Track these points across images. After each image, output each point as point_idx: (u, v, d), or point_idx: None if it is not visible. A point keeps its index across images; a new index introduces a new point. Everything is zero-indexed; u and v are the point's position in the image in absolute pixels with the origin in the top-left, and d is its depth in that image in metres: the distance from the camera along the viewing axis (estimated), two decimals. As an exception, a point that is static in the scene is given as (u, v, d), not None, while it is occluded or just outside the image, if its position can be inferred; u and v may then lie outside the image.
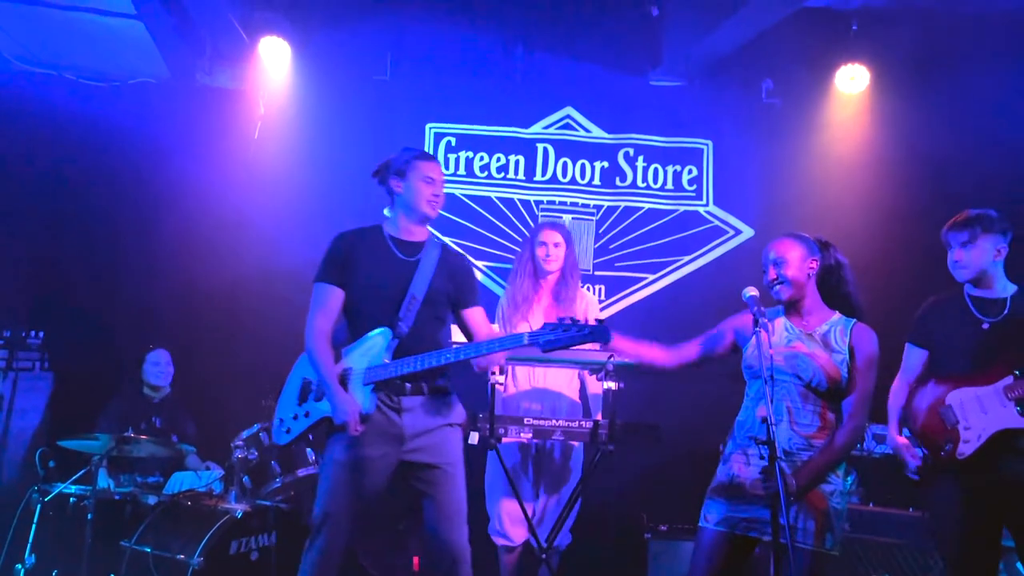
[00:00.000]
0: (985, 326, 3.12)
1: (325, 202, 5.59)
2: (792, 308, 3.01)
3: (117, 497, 4.15)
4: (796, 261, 2.96)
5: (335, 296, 3.15)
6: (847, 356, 2.88)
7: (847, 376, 2.87)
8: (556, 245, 4.40)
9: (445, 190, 3.32)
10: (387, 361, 3.00)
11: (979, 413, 3.06)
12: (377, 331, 3.05)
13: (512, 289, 4.47)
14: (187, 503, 4.04)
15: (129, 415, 4.79)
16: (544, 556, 4.08)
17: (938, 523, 3.24)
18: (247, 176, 5.57)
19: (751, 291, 2.88)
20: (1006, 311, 3.11)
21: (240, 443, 4.14)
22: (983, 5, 5.33)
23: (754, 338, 2.87)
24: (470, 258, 5.55)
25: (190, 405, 5.10)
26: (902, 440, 3.29)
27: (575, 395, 4.43)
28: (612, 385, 4.02)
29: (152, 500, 4.14)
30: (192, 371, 5.20)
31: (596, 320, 2.82)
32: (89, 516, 3.83)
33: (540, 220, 5.58)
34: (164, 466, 4.62)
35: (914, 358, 3.35)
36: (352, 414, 2.93)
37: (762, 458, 2.70)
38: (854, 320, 2.97)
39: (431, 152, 5.76)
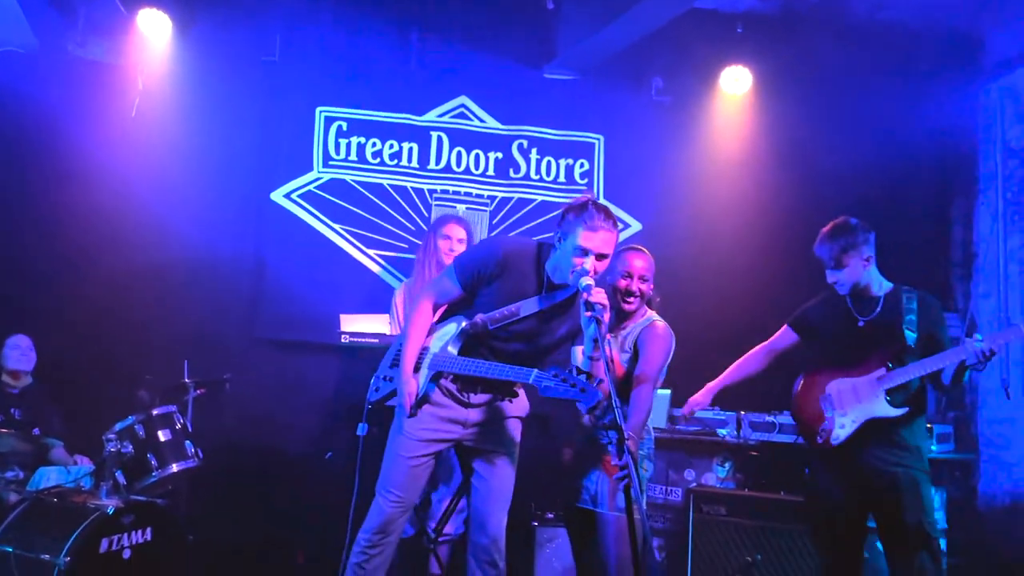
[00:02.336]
0: (861, 323, 3.37)
1: (208, 185, 5.39)
2: (626, 317, 3.33)
3: (-27, 495, 3.89)
4: (651, 280, 3.34)
5: (454, 294, 3.14)
6: (631, 354, 3.26)
7: (634, 372, 3.21)
8: (460, 240, 4.42)
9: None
10: (453, 350, 3.07)
11: (855, 402, 3.30)
12: (454, 318, 3.12)
13: (416, 281, 4.47)
14: (53, 500, 3.81)
15: (-15, 407, 4.49)
16: (432, 546, 4.08)
17: (811, 503, 3.45)
18: (124, 155, 5.29)
19: (587, 280, 2.88)
20: (878, 309, 3.35)
21: (112, 436, 3.93)
22: (862, 17, 5.63)
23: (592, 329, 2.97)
24: (362, 246, 5.52)
25: (57, 396, 4.82)
26: (698, 400, 3.69)
27: None
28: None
29: (13, 497, 3.90)
30: (61, 360, 4.92)
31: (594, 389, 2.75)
32: (-58, 516, 3.57)
33: (443, 212, 5.53)
34: (26, 461, 4.33)
35: (785, 338, 3.66)
36: (408, 397, 3.06)
37: (610, 443, 3.09)
38: (650, 320, 3.31)
39: (321, 137, 5.62)
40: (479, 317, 3.04)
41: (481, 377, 3.05)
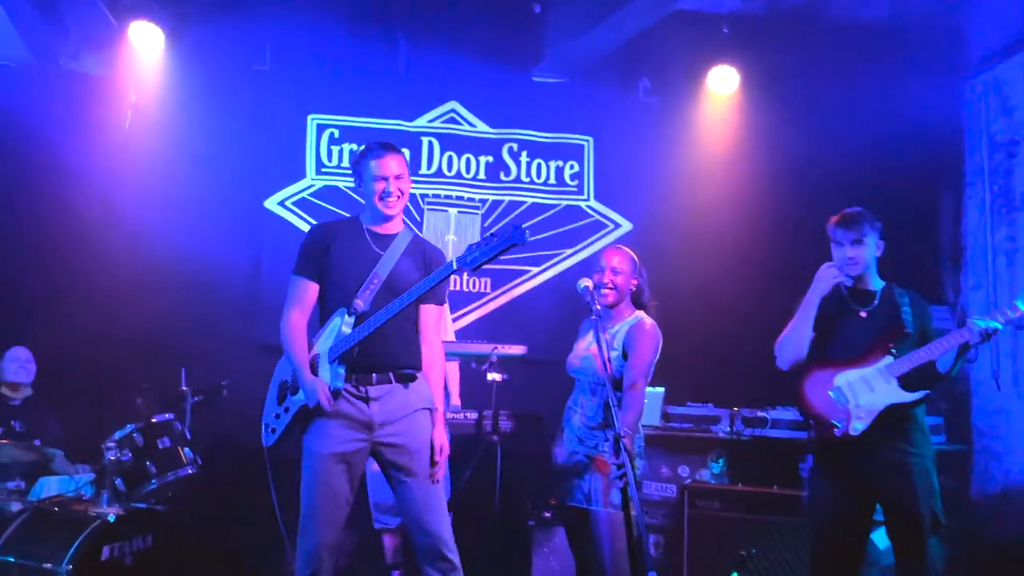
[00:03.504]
0: (863, 314, 3.38)
1: (202, 195, 5.43)
2: (611, 317, 3.41)
3: (-24, 506, 3.91)
4: (627, 274, 3.42)
5: (310, 291, 3.14)
6: (620, 353, 3.32)
7: (623, 371, 3.28)
8: None
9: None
10: (347, 330, 3.02)
11: (867, 392, 3.28)
12: (336, 313, 3.08)
13: None
14: (54, 509, 3.84)
15: (-14, 420, 4.53)
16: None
17: (818, 499, 3.43)
18: (118, 167, 5.33)
19: (585, 282, 3.10)
20: (876, 301, 3.39)
21: (112, 444, 3.96)
22: (846, 15, 5.69)
23: (589, 333, 3.24)
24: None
25: (57, 406, 4.86)
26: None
27: None
28: (496, 376, 4.10)
29: (15, 507, 3.92)
30: (59, 370, 4.95)
31: (513, 226, 2.80)
32: (-55, 527, 3.60)
33: (435, 216, 5.61)
34: (28, 471, 4.36)
35: None
36: (322, 392, 2.96)
37: (607, 440, 3.12)
38: (638, 319, 3.38)
39: (313, 144, 5.68)
40: (356, 303, 3.04)
41: (381, 362, 3.03)
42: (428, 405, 3.14)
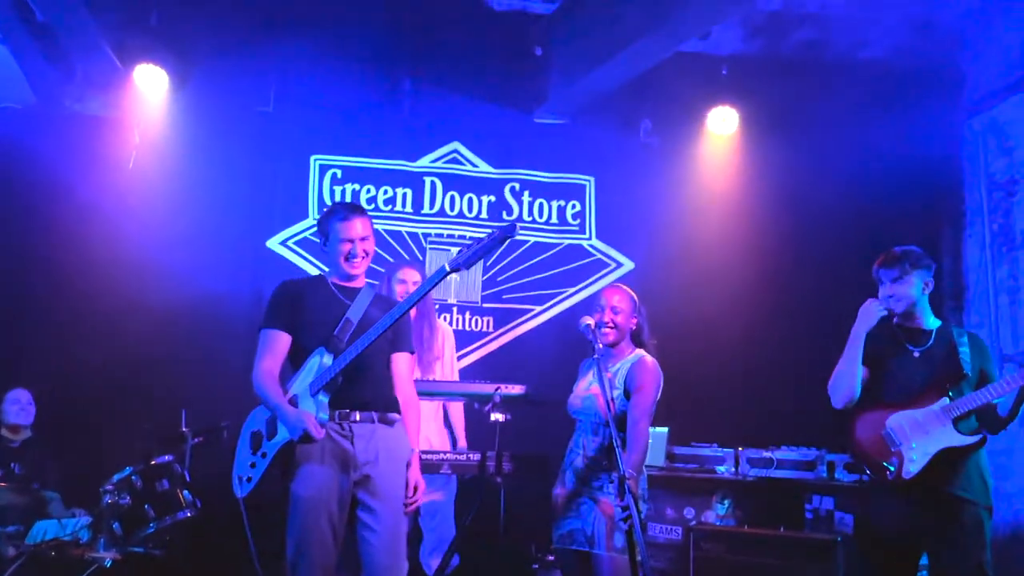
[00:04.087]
0: (916, 354, 3.31)
1: (205, 234, 5.44)
2: (611, 356, 3.42)
3: (-29, 550, 3.87)
4: (627, 313, 3.43)
5: (282, 340, 3.15)
6: (623, 392, 3.31)
7: (625, 409, 3.27)
8: (415, 283, 4.50)
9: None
10: (328, 361, 3.03)
11: (921, 434, 3.19)
12: (314, 353, 3.09)
13: None
14: (51, 553, 3.81)
15: (-15, 461, 4.49)
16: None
17: (866, 539, 3.36)
18: (122, 207, 5.35)
19: (587, 320, 3.20)
20: (931, 341, 3.31)
21: (110, 487, 3.94)
22: (844, 56, 5.77)
23: (590, 373, 3.32)
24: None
25: (57, 448, 4.81)
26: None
27: (440, 423, 4.60)
28: (499, 417, 4.07)
29: (12, 551, 3.87)
30: (59, 412, 4.93)
31: (503, 225, 2.86)
32: (-61, 572, 3.55)
33: (437, 255, 5.63)
34: (24, 514, 4.32)
35: None
36: (308, 420, 2.93)
37: (611, 481, 3.15)
38: (638, 357, 3.38)
39: (316, 184, 5.71)
40: (335, 342, 3.07)
41: (362, 401, 3.05)
42: (406, 454, 3.15)
